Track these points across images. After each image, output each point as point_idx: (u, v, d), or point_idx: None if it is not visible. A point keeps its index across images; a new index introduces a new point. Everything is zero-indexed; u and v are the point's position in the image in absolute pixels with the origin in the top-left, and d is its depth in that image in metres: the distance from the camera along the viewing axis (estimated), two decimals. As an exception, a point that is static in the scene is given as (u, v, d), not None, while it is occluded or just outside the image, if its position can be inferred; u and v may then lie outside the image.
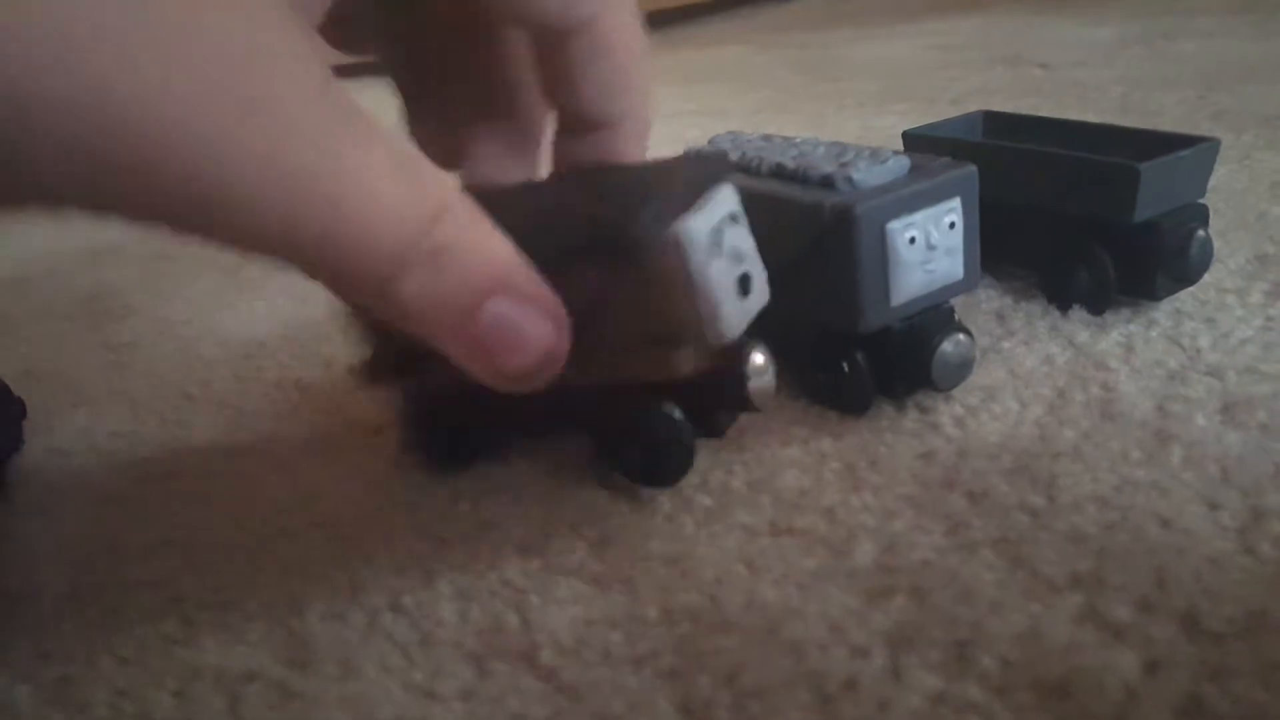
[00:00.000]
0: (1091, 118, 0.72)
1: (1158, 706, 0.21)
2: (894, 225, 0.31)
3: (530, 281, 0.22)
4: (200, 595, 0.29)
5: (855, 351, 0.33)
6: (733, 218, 0.26)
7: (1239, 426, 0.31)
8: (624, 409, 0.30)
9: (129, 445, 0.40)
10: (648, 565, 0.28)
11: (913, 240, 0.31)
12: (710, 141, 0.38)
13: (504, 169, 0.30)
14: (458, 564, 0.29)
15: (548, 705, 0.23)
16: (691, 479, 0.31)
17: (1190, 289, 0.40)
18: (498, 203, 0.26)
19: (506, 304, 0.21)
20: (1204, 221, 0.38)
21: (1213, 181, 0.53)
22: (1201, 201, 0.38)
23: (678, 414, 0.30)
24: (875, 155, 0.33)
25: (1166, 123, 0.68)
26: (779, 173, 0.34)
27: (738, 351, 0.27)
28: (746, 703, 0.23)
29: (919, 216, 0.31)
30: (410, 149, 0.20)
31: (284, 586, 0.29)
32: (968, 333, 0.33)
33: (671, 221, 0.24)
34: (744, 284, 0.26)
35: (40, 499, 0.37)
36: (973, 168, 0.33)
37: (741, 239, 0.26)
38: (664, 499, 0.31)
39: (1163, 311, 0.39)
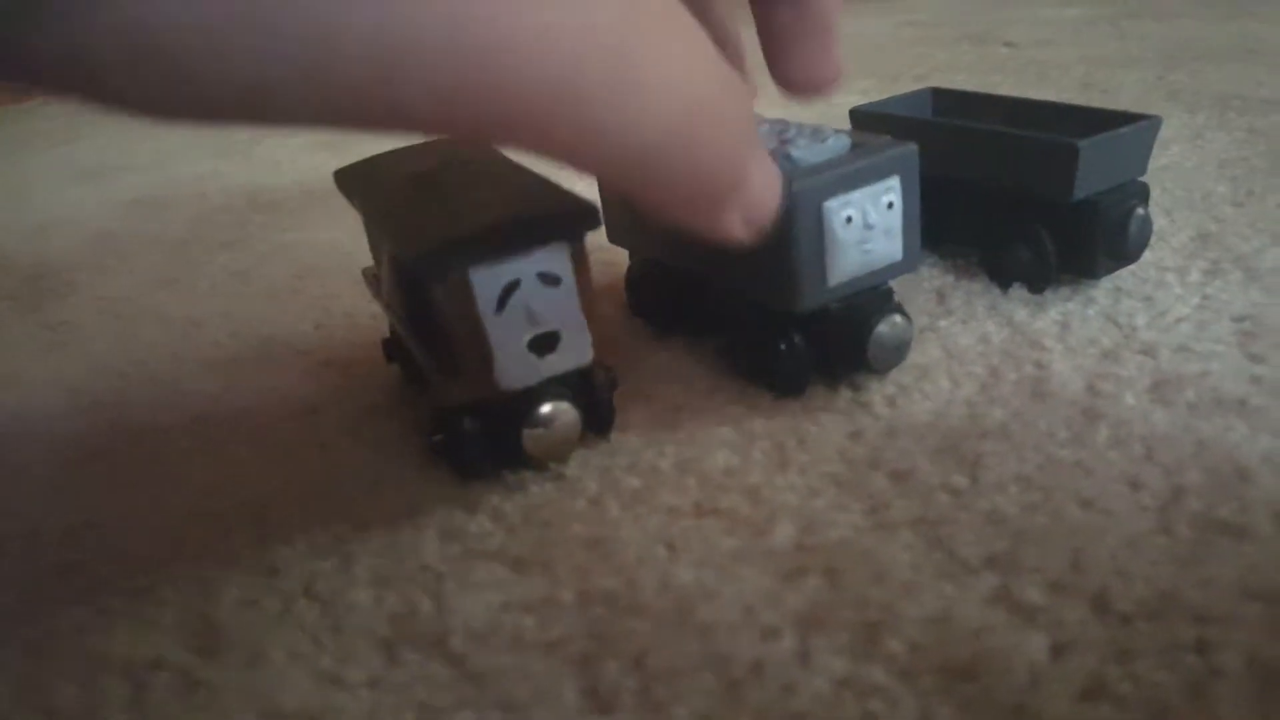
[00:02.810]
0: (1051, 96, 0.72)
1: (1061, 689, 0.21)
2: (831, 204, 0.30)
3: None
4: (117, 581, 0.29)
5: (792, 332, 0.33)
6: (546, 278, 0.28)
7: (1167, 405, 0.30)
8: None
9: (61, 427, 0.39)
10: (568, 548, 0.27)
11: (850, 220, 0.31)
12: None
13: None
14: (378, 548, 0.28)
15: (453, 693, 0.23)
16: (620, 460, 0.31)
17: (1132, 267, 0.40)
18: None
19: (764, 161, 0.21)
20: (1144, 200, 0.38)
21: (1164, 160, 0.53)
22: (1142, 179, 0.38)
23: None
24: (816, 133, 0.32)
25: (1123, 101, 0.68)
26: None
27: (525, 402, 0.29)
28: (652, 687, 0.22)
29: (856, 195, 0.31)
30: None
31: (201, 571, 0.29)
32: (905, 314, 0.33)
33: (465, 268, 0.27)
34: (540, 344, 0.28)
35: (-33, 482, 0.36)
36: (913, 146, 0.32)
37: (549, 302, 0.28)
38: (591, 481, 0.30)
39: (1102, 290, 0.38)
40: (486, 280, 0.27)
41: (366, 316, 0.44)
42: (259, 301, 0.49)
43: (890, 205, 0.31)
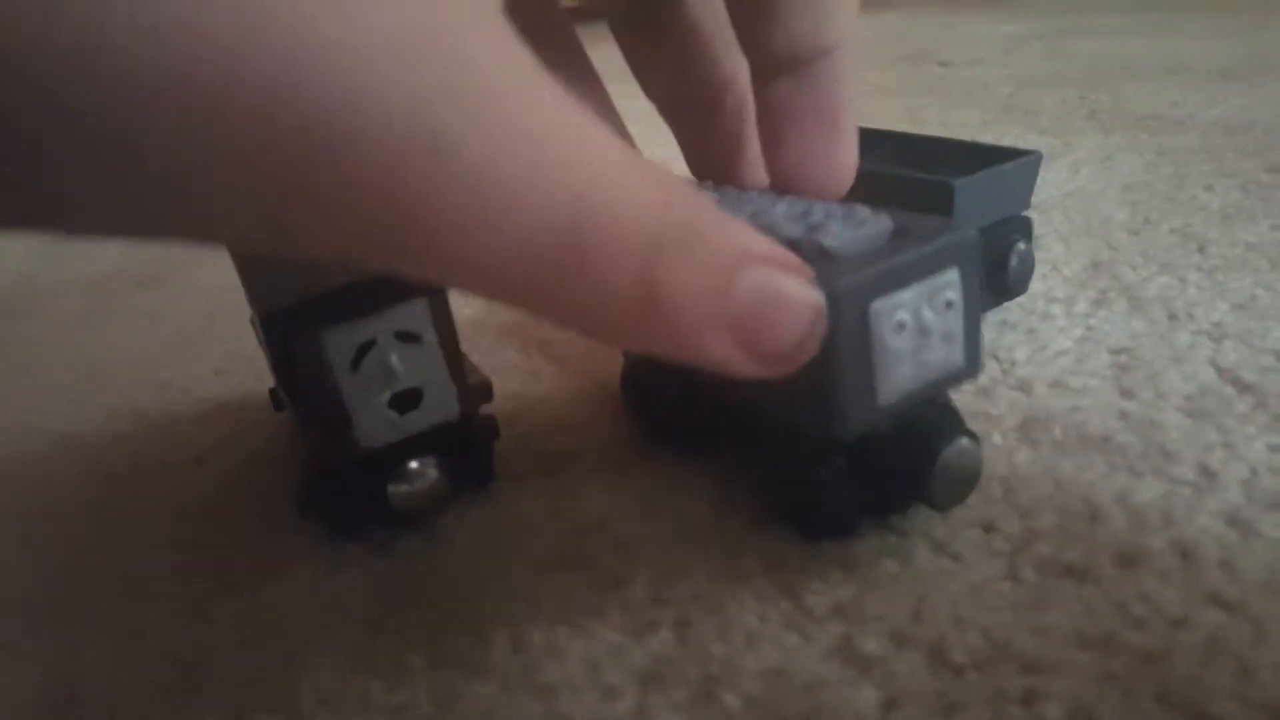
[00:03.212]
0: (977, 116, 0.73)
1: (884, 744, 0.21)
2: (879, 306, 0.24)
3: (773, 247, 0.19)
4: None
5: (835, 458, 0.27)
6: (404, 336, 0.28)
7: (1032, 443, 0.31)
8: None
9: (-45, 479, 0.39)
10: (428, 607, 0.27)
11: (902, 325, 0.24)
12: None
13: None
14: (242, 608, 0.28)
15: (294, 757, 0.23)
16: (495, 512, 0.31)
17: (1021, 299, 0.40)
18: None
19: (760, 271, 0.18)
20: (1026, 235, 0.38)
21: (1072, 185, 0.54)
22: (1025, 214, 0.39)
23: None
24: (849, 215, 0.26)
25: (1045, 121, 0.69)
26: None
27: (389, 459, 0.29)
28: (487, 750, 0.22)
29: (909, 294, 0.24)
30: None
31: (65, 632, 0.29)
32: (972, 435, 0.27)
33: (316, 329, 0.27)
34: (402, 401, 0.28)
35: None
36: (973, 231, 0.25)
37: (409, 359, 0.28)
38: (463, 535, 0.30)
39: (989, 323, 0.39)
40: (339, 341, 0.27)
41: (265, 362, 0.44)
42: (166, 344, 0.49)
43: (949, 304, 0.25)
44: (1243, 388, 0.32)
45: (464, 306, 0.29)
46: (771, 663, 0.24)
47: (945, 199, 0.36)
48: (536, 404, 0.38)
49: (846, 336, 0.24)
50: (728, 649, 0.24)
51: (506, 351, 0.43)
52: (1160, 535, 0.26)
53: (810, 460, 0.27)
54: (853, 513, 0.27)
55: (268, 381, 0.42)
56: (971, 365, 0.26)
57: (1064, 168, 0.57)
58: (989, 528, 0.27)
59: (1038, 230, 0.43)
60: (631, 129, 0.28)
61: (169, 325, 0.52)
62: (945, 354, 0.26)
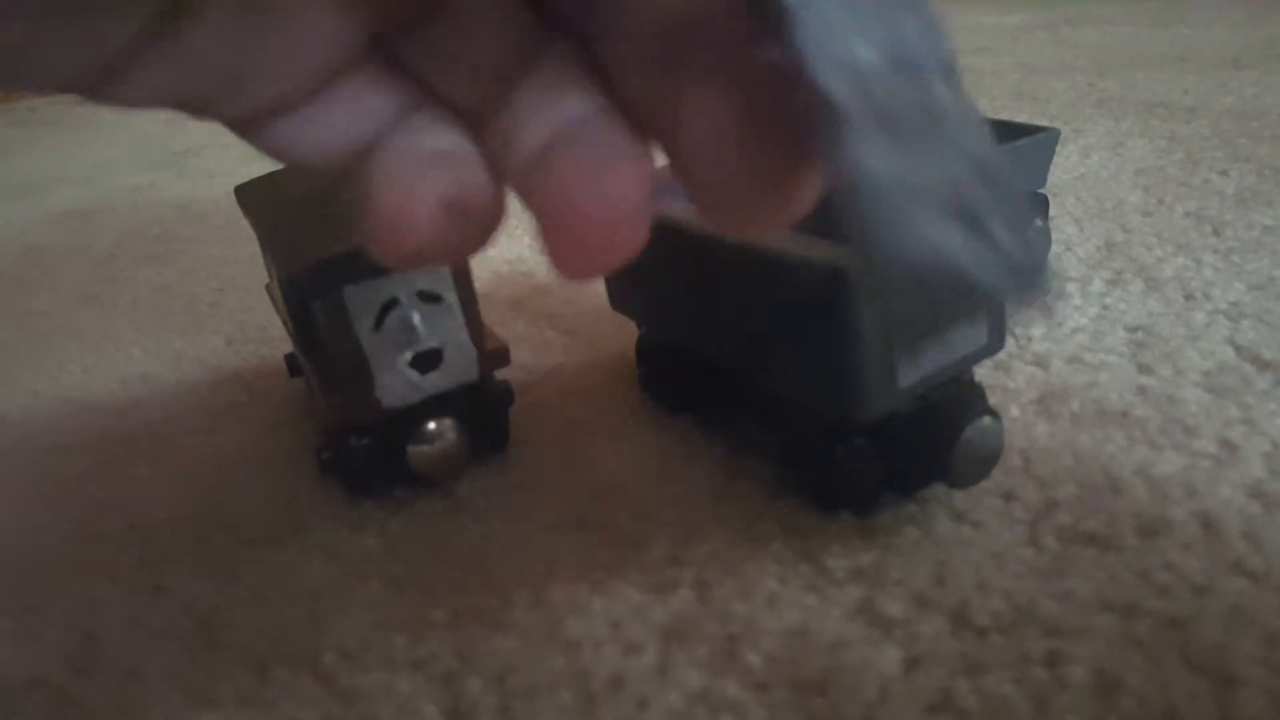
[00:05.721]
0: (985, 103, 0.73)
1: (909, 703, 0.21)
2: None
3: None
4: (3, 601, 0.29)
5: (854, 437, 0.26)
6: (425, 296, 0.28)
7: (1051, 417, 0.31)
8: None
9: (-32, 444, 0.39)
10: (448, 566, 0.27)
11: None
12: None
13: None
14: (262, 566, 0.28)
15: (319, 709, 0.23)
16: (512, 476, 0.31)
17: (1035, 278, 0.40)
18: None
19: None
20: (1043, 212, 0.38)
21: (1083, 169, 0.54)
22: (1041, 191, 0.39)
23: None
24: None
25: (1054, 108, 0.69)
26: None
27: (409, 420, 0.29)
28: (511, 704, 0.22)
29: None
30: None
31: (87, 590, 0.29)
32: (994, 414, 0.26)
33: (339, 286, 0.27)
34: (422, 361, 0.29)
35: None
36: None
37: (430, 320, 0.28)
38: (480, 497, 0.30)
39: (1004, 301, 0.39)
40: (362, 299, 0.27)
41: (277, 330, 0.44)
42: (177, 316, 0.49)
43: None
44: (1262, 365, 0.32)
45: (475, 280, 0.29)
46: (793, 623, 0.24)
47: (964, 174, 0.35)
48: (549, 374, 0.38)
49: (870, 320, 0.23)
50: (749, 609, 0.24)
51: (517, 324, 0.43)
52: (1182, 506, 0.26)
53: (829, 438, 0.26)
54: (873, 490, 0.27)
55: (280, 351, 0.42)
56: (995, 341, 0.26)
57: (1075, 153, 0.57)
58: (1009, 497, 0.27)
59: (1049, 213, 0.43)
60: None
61: (179, 299, 0.51)
62: (969, 332, 0.25)
